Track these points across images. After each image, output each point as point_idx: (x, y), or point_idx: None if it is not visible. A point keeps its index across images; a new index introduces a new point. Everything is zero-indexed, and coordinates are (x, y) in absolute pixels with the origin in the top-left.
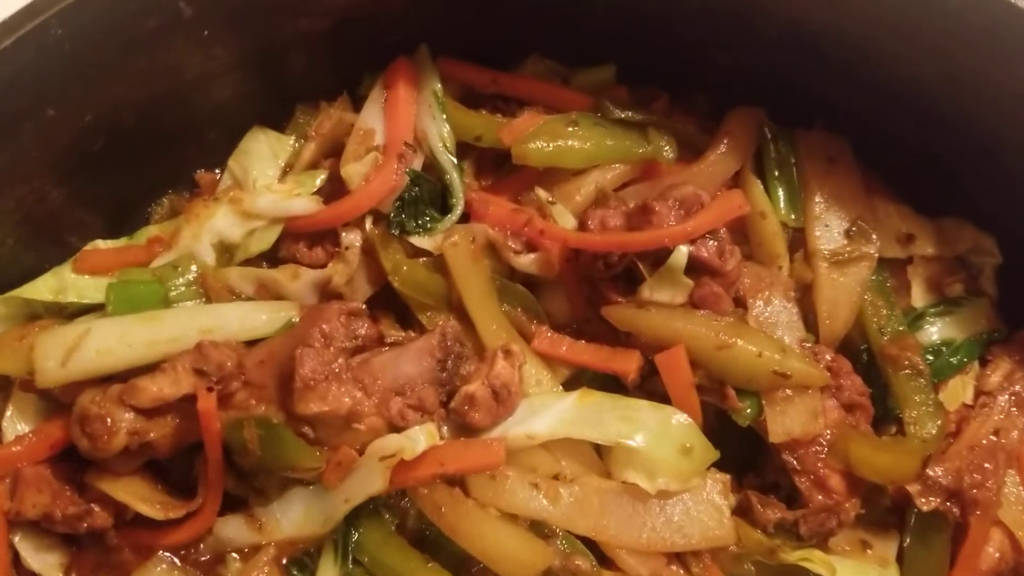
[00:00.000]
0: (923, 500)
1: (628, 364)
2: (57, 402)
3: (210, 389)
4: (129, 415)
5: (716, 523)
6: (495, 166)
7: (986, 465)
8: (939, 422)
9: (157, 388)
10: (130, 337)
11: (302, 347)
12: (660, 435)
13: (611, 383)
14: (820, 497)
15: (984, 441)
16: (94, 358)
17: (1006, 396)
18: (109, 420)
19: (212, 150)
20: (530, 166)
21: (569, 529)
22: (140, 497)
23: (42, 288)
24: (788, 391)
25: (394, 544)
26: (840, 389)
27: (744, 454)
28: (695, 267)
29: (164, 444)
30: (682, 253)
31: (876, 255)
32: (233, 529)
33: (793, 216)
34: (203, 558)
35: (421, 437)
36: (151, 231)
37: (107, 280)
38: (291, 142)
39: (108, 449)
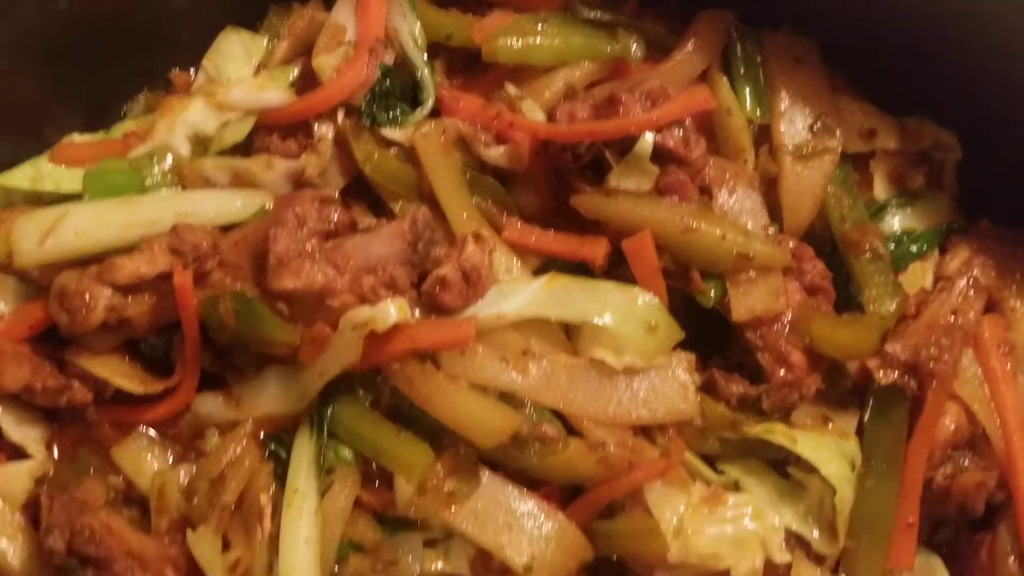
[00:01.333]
0: (881, 373)
1: (596, 251)
2: (36, 285)
3: (186, 267)
4: (107, 291)
5: (681, 398)
6: (465, 66)
7: (943, 341)
8: (897, 300)
9: (134, 266)
10: (107, 219)
11: (276, 226)
12: (626, 313)
13: (580, 272)
14: (782, 372)
15: (942, 321)
16: (72, 239)
17: (964, 280)
18: (87, 296)
19: (186, 50)
20: (500, 65)
21: (537, 400)
22: (119, 373)
23: (19, 176)
24: (751, 273)
25: (369, 417)
26: (802, 273)
27: (709, 339)
28: (661, 155)
29: (141, 322)
30: (647, 141)
31: (839, 149)
32: (211, 406)
33: (759, 112)
34: (181, 432)
35: (392, 309)
36: (127, 126)
37: (84, 170)
38: (264, 42)
39: (86, 324)
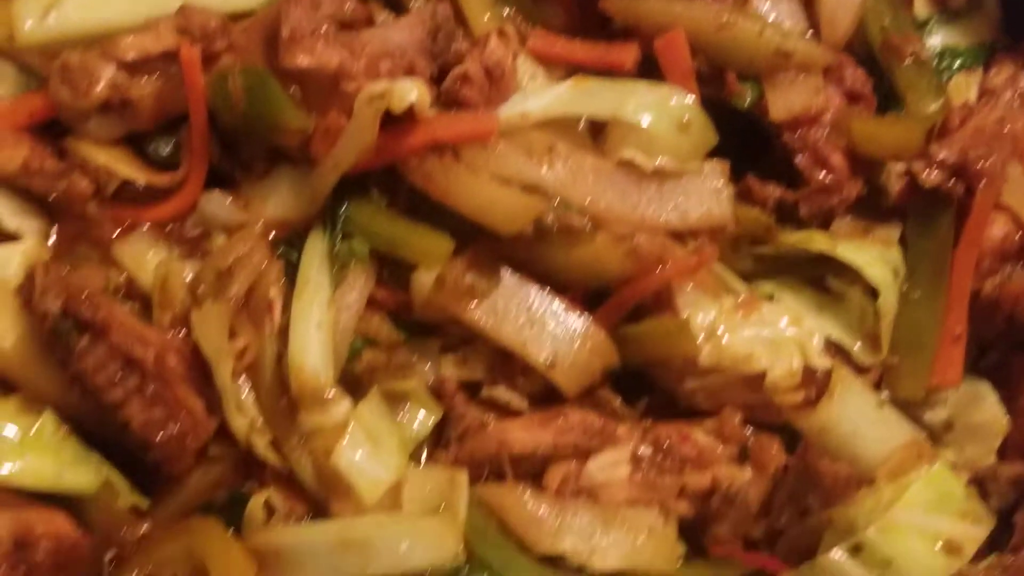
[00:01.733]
0: (926, 174)
1: (625, 56)
2: (38, 77)
3: (193, 44)
4: (111, 68)
5: (714, 202)
6: None
7: (992, 144)
8: (941, 99)
9: (140, 42)
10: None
11: (289, 3)
12: (659, 110)
13: None
14: (821, 175)
15: (988, 128)
16: (75, 16)
17: (1010, 93)
18: (90, 70)
19: None
20: None
21: (563, 195)
22: (122, 163)
23: None
24: (790, 72)
25: (384, 215)
26: (842, 80)
27: (743, 152)
28: None
29: (145, 108)
30: None
31: None
32: (218, 206)
33: None
34: (187, 235)
35: (412, 88)
36: None
37: None
38: None
39: (88, 100)
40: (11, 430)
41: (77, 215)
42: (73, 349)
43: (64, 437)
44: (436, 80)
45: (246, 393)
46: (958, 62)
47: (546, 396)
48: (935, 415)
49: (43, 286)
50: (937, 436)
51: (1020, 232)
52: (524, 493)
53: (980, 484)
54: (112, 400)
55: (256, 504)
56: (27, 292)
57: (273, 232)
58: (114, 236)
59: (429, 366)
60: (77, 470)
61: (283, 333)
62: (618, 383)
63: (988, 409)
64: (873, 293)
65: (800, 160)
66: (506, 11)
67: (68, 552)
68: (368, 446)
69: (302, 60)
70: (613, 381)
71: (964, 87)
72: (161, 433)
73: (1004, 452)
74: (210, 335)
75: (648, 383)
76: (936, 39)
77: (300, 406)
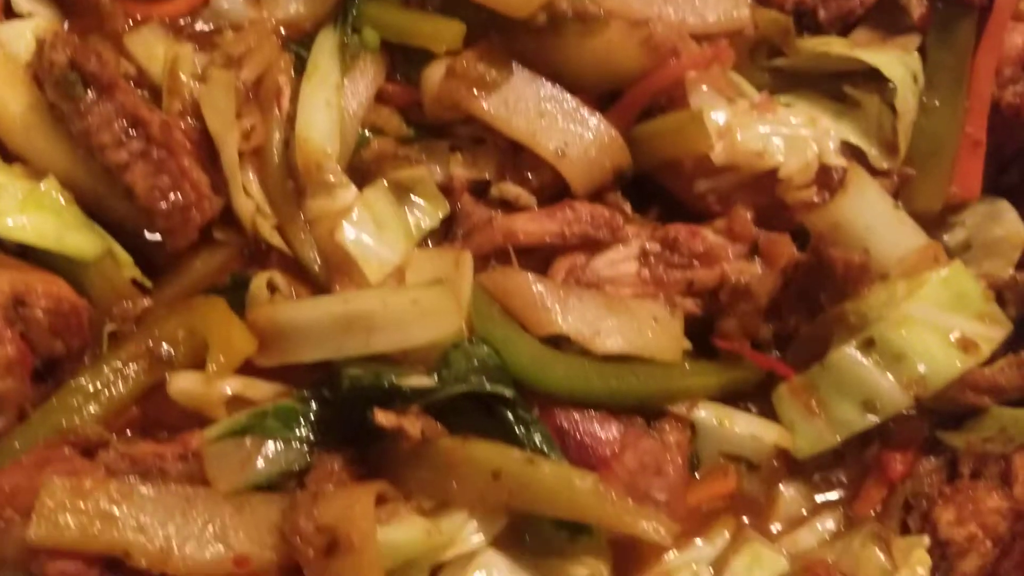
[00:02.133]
0: None
1: None
2: None
3: None
4: None
5: (732, 4)
6: None
7: None
8: None
9: None
10: None
11: None
12: None
13: None
14: None
15: None
16: None
17: None
18: None
19: None
20: None
21: None
22: None
23: None
24: None
25: (397, 5)
26: None
27: None
28: None
29: None
30: None
31: None
32: (230, 1)
33: None
34: (199, 29)
35: None
36: None
37: None
38: None
39: None
40: (14, 188)
41: (90, 7)
42: (78, 103)
43: (67, 202)
44: None
45: (252, 179)
46: None
47: (555, 195)
48: (953, 236)
49: (52, 41)
50: (955, 256)
51: None
52: (528, 277)
53: (998, 294)
54: (116, 161)
55: (259, 283)
56: (36, 60)
57: (284, 30)
58: (126, 29)
59: (437, 165)
60: (79, 234)
61: (290, 121)
62: (628, 192)
63: (1008, 224)
64: (892, 106)
65: None
66: None
67: (67, 316)
68: (373, 228)
69: None
70: (624, 189)
71: None
72: (164, 201)
73: (1023, 265)
74: (217, 106)
75: (659, 191)
76: None
77: (306, 190)
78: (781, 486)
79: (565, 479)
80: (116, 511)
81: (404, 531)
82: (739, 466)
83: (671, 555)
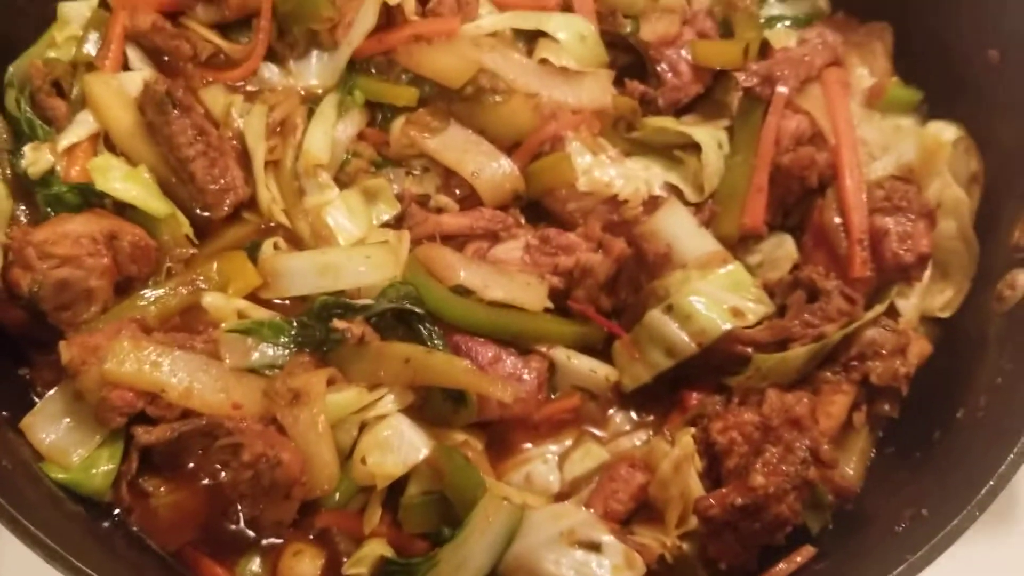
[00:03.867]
0: (743, 78)
1: (548, 2)
2: None
3: None
4: None
5: (601, 91)
6: None
7: (794, 67)
8: (758, 33)
9: None
10: None
11: None
12: (568, 29)
13: None
14: (671, 77)
15: (794, 56)
16: None
17: (818, 41)
18: None
19: None
20: None
21: (496, 71)
22: (215, 38)
23: None
24: (657, 14)
25: (376, 79)
26: (695, 22)
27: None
28: None
29: (234, 1)
30: None
31: None
32: (271, 72)
33: None
34: (248, 89)
35: None
36: None
37: None
38: None
39: None
40: (120, 168)
41: (179, 70)
42: (168, 116)
43: (151, 181)
44: (422, 2)
45: (271, 180)
46: (786, 23)
47: (473, 205)
48: (753, 258)
49: (156, 79)
50: (752, 272)
51: (812, 127)
52: (445, 249)
53: (770, 291)
54: (186, 155)
55: (268, 244)
56: (143, 93)
57: (303, 92)
58: (201, 86)
59: (395, 184)
60: (156, 201)
61: (300, 146)
62: (523, 209)
63: (787, 249)
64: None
65: (660, 68)
66: None
67: (142, 250)
68: (347, 214)
69: None
70: (521, 208)
71: (786, 37)
72: (214, 184)
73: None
74: (253, 130)
75: (541, 208)
76: (772, 9)
77: (306, 188)
78: (611, 410)
79: (450, 361)
80: (160, 362)
81: (342, 395)
82: (584, 395)
83: (529, 446)
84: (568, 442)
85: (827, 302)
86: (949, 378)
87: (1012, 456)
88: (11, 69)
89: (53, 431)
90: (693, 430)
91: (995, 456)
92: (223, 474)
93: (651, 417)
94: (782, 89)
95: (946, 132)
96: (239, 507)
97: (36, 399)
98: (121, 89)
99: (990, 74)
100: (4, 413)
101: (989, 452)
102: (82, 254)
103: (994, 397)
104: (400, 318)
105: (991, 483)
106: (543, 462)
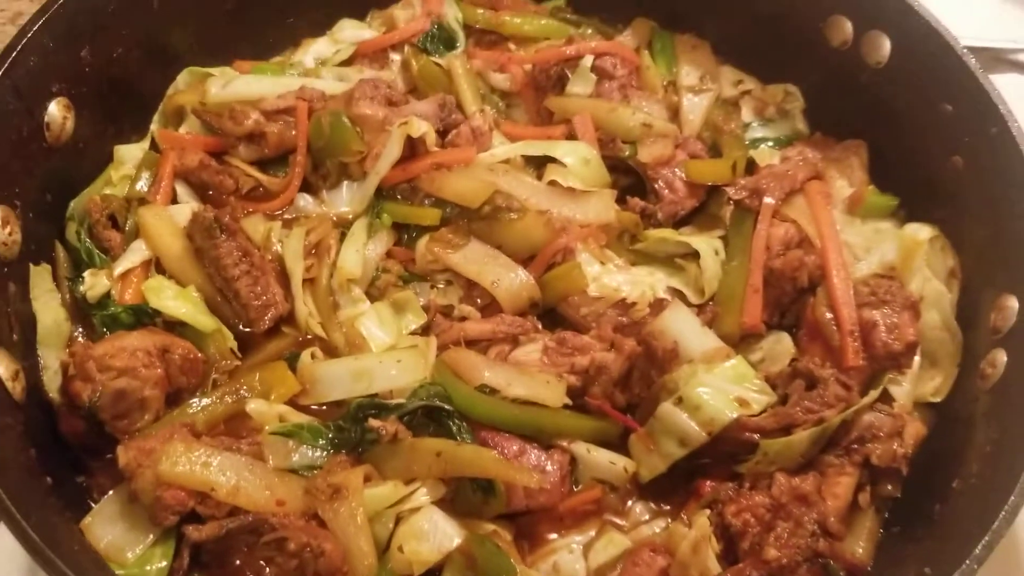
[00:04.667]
0: (733, 191)
1: (556, 131)
2: (211, 127)
3: (304, 101)
4: (256, 113)
5: (605, 208)
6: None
7: (779, 182)
8: (745, 152)
9: (274, 101)
10: (263, 80)
11: (358, 83)
12: (573, 154)
13: None
14: (668, 194)
15: (778, 171)
16: (240, 88)
17: (798, 157)
18: (245, 112)
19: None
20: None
21: (510, 193)
22: (255, 172)
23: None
24: (652, 139)
25: (403, 204)
26: (687, 146)
27: (626, 189)
28: (598, 72)
29: (272, 141)
30: (587, 60)
31: (718, 90)
32: (306, 201)
33: (669, 70)
34: (285, 217)
35: (423, 124)
36: (276, 59)
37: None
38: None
39: (241, 129)
40: (171, 288)
41: (223, 202)
42: (215, 239)
43: (199, 299)
44: (442, 135)
45: (308, 296)
46: (769, 144)
47: (494, 312)
48: (754, 355)
49: (205, 208)
50: (754, 367)
51: (799, 233)
52: (470, 352)
53: (772, 383)
54: (231, 275)
55: (306, 354)
56: (191, 221)
57: (336, 219)
58: (242, 215)
59: (421, 296)
60: (204, 317)
61: (335, 265)
62: (540, 316)
63: (784, 345)
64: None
65: (657, 186)
66: (486, 107)
67: (191, 363)
68: (378, 323)
69: (364, 108)
70: (537, 316)
71: (769, 156)
72: (257, 301)
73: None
74: (291, 251)
75: (560, 317)
76: (756, 132)
77: (340, 302)
78: (631, 501)
79: (479, 451)
80: (210, 463)
81: (379, 490)
82: (605, 486)
83: (555, 537)
84: (592, 532)
85: (825, 389)
86: (943, 455)
87: (1004, 512)
88: (72, 205)
89: (110, 531)
90: (709, 512)
91: (989, 514)
92: (267, 570)
93: (668, 507)
94: (769, 200)
95: (922, 232)
96: None
97: (92, 504)
98: (171, 219)
99: (957, 179)
100: (68, 514)
101: (984, 512)
102: (138, 366)
103: (985, 464)
104: (430, 416)
105: (986, 538)
106: (569, 551)
